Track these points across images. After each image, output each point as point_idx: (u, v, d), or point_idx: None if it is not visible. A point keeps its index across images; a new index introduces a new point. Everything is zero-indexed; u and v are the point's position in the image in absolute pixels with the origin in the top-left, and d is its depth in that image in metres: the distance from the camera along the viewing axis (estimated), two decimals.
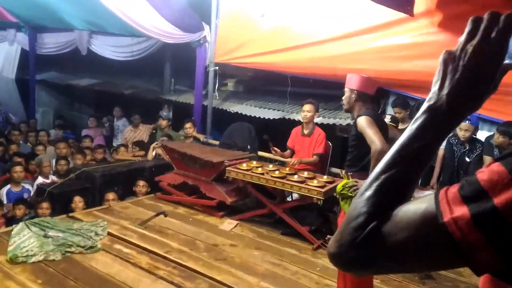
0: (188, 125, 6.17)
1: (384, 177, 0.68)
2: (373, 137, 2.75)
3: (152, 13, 6.12)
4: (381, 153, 2.66)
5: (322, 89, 6.28)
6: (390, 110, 5.22)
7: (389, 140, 3.09)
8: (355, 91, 3.03)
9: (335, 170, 5.07)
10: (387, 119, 4.25)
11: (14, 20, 8.47)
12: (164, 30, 6.33)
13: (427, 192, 4.33)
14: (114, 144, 7.49)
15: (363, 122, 2.85)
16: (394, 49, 4.70)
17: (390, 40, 4.72)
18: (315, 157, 4.77)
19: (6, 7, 7.95)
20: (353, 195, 2.84)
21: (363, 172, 2.91)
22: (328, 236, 4.03)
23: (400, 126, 4.66)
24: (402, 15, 4.48)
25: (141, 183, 5.26)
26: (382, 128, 2.92)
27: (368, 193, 0.67)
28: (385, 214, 0.64)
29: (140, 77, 8.25)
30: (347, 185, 2.92)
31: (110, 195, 4.92)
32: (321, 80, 5.76)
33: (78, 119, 9.83)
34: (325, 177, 4.41)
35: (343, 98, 3.13)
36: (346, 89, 3.10)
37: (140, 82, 8.24)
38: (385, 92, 5.28)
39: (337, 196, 3.04)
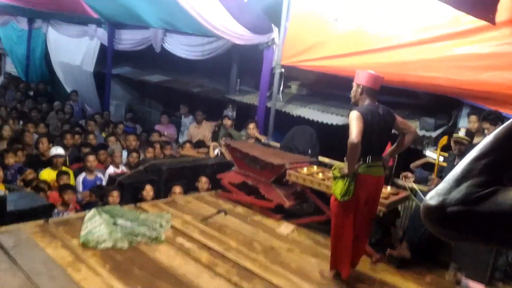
0: (251, 125, 6.28)
1: (500, 151, 0.69)
2: (352, 130, 3.06)
3: (224, 14, 6.28)
4: (353, 146, 3.06)
5: (389, 96, 6.09)
6: (462, 122, 4.96)
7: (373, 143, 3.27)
8: (361, 86, 3.28)
9: (400, 181, 4.91)
10: (462, 132, 4.04)
11: (95, 16, 9.06)
12: (235, 31, 6.48)
13: None
14: (180, 140, 7.78)
15: (352, 115, 3.13)
16: (472, 59, 4.45)
17: (467, 49, 4.47)
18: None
19: (89, 3, 8.53)
20: (339, 175, 3.25)
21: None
22: (388, 249, 3.93)
23: (475, 140, 4.41)
24: (482, 23, 4.23)
25: (203, 179, 5.44)
26: (367, 121, 3.12)
27: (486, 160, 0.69)
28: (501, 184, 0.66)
29: (208, 77, 8.49)
30: (339, 167, 3.33)
31: (177, 188, 5.13)
32: (388, 86, 5.59)
33: (147, 113, 10.34)
34: (388, 188, 4.30)
35: (351, 91, 3.39)
36: (354, 84, 3.34)
37: (207, 81, 8.48)
38: (458, 103, 5.03)
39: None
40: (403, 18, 4.96)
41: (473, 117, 4.61)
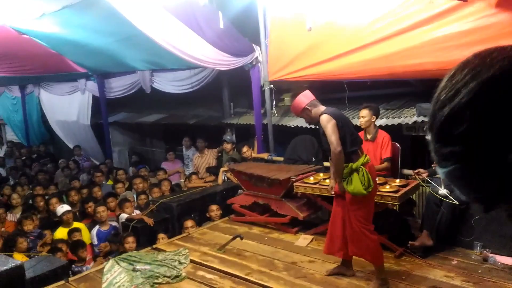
0: (244, 148, 6.30)
1: None
2: (332, 138, 3.17)
3: (203, 44, 6.36)
4: (339, 154, 3.17)
5: (382, 89, 6.11)
6: None
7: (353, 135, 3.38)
8: (305, 107, 3.41)
9: (407, 171, 4.87)
10: None
11: (83, 71, 9.24)
12: (217, 58, 6.55)
13: None
14: (186, 172, 7.81)
15: (323, 120, 3.24)
16: (454, 38, 4.45)
17: (448, 29, 4.47)
18: (385, 163, 4.64)
19: (75, 60, 8.70)
20: (349, 170, 3.22)
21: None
22: (409, 241, 3.87)
23: None
24: (456, 2, 4.27)
25: (214, 207, 5.43)
26: (339, 117, 3.28)
27: None
28: None
29: (202, 106, 8.57)
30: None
31: (189, 223, 5.12)
32: (379, 80, 5.61)
33: (151, 153, 10.42)
34: (397, 180, 4.27)
35: (306, 121, 3.57)
36: (301, 115, 3.49)
37: (202, 110, 8.56)
38: None
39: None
40: (379, 11, 4.99)
41: None
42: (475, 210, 3.85)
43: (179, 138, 8.47)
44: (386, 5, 4.89)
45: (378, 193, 3.92)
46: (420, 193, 4.77)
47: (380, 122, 5.45)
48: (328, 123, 3.21)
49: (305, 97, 3.46)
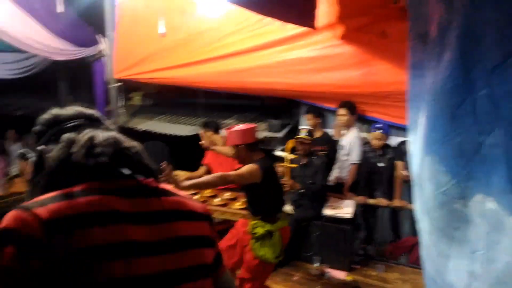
0: None
1: None
2: (241, 171, 2.84)
3: (35, 28, 5.32)
4: (223, 181, 2.82)
5: (237, 99, 6.10)
6: (302, 121, 5.26)
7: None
8: (241, 146, 2.98)
9: None
10: (304, 133, 4.26)
11: None
12: (52, 46, 5.57)
13: (345, 202, 4.46)
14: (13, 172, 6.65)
15: (249, 166, 2.88)
16: (302, 62, 4.67)
17: (297, 53, 4.67)
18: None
19: None
20: (264, 232, 2.93)
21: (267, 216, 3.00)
22: None
23: (316, 135, 4.71)
24: (306, 28, 4.47)
25: None
26: (270, 174, 2.96)
27: None
28: None
29: (33, 96, 7.40)
30: (261, 224, 2.98)
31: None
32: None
33: None
34: (229, 193, 4.34)
35: (234, 156, 3.07)
36: (231, 147, 3.05)
37: (32, 100, 7.40)
38: (297, 104, 5.31)
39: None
40: (236, 25, 4.95)
41: (309, 115, 4.91)
42: (315, 227, 4.18)
43: (3, 131, 7.17)
44: (244, 20, 4.88)
45: (228, 210, 3.96)
46: None
47: None
48: (250, 169, 2.85)
49: (247, 135, 2.99)
